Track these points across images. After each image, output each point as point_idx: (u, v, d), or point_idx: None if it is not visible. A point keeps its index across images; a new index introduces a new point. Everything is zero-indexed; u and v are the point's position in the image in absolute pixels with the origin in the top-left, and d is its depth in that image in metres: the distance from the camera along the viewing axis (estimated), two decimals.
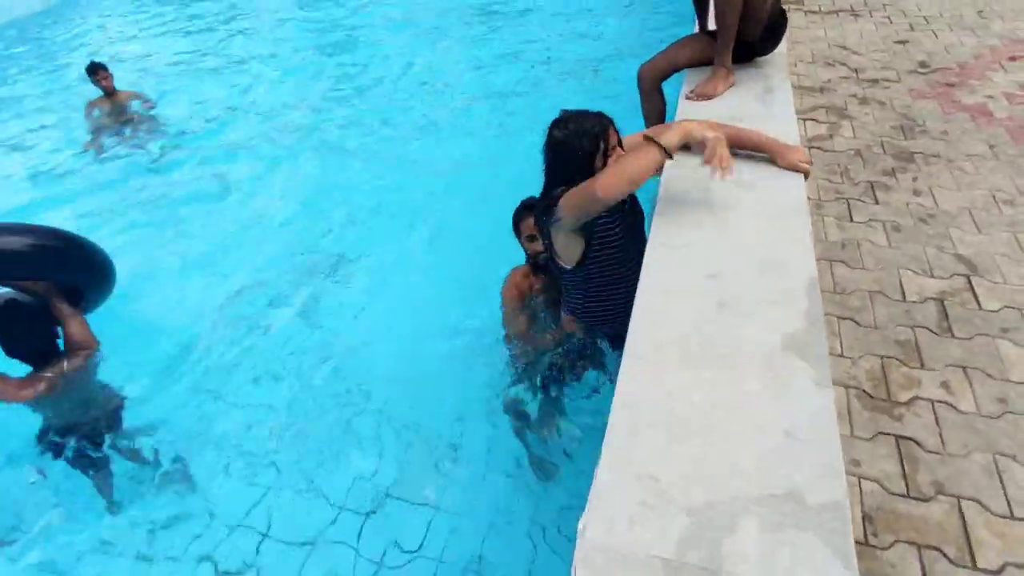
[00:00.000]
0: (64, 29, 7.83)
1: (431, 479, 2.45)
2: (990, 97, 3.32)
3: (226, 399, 2.85)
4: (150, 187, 4.28)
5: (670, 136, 1.61)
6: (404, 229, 3.71)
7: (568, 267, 1.95)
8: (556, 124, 1.86)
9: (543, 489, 2.33)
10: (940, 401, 1.81)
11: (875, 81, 3.60)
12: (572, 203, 1.71)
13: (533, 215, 2.39)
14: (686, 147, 1.73)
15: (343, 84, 5.50)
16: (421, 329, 3.07)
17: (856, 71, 3.76)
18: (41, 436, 2.41)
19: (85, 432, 2.47)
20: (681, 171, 2.02)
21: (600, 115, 1.88)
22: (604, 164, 1.83)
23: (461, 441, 2.57)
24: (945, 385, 1.85)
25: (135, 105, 4.90)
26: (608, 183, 1.62)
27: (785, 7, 2.44)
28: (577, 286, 2.00)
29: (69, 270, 2.45)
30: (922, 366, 1.91)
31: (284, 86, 5.56)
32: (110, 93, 4.74)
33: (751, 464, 1.20)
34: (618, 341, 2.25)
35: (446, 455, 2.54)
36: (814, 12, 4.70)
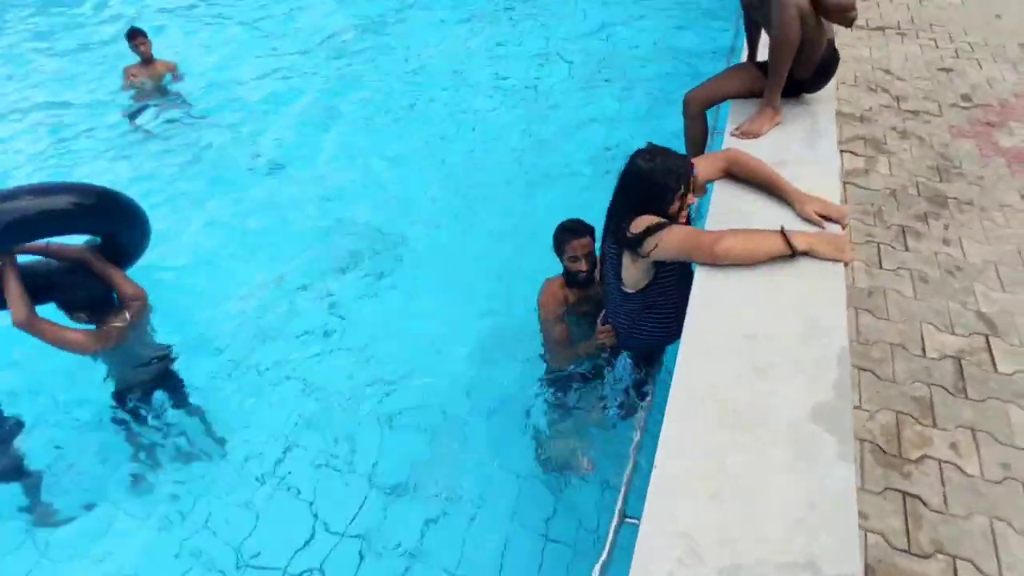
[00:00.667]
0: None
1: (450, 472, 2.64)
2: None
3: (253, 381, 3.02)
4: (186, 160, 4.38)
5: (799, 241, 1.81)
6: (440, 223, 3.84)
7: (630, 291, 2.08)
8: (641, 154, 1.95)
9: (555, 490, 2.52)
10: (947, 461, 1.94)
11: (916, 113, 3.63)
12: (676, 246, 1.83)
13: (578, 237, 2.52)
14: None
15: (382, 71, 5.53)
16: (451, 322, 3.23)
17: (898, 99, 3.78)
18: (119, 395, 2.69)
19: (145, 389, 2.74)
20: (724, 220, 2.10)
21: (686, 157, 1.98)
22: (680, 205, 1.96)
23: (480, 437, 2.74)
24: (954, 446, 1.98)
25: (168, 77, 4.94)
26: (730, 251, 1.78)
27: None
28: (633, 310, 2.13)
29: (107, 224, 2.58)
30: (934, 425, 2.04)
31: (321, 69, 5.57)
32: (147, 60, 4.77)
33: (776, 531, 1.34)
34: (641, 361, 2.39)
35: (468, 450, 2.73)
36: (861, 27, 4.65)
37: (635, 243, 1.90)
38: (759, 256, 1.80)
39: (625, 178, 2.00)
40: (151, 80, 4.84)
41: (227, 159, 4.39)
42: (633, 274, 2.04)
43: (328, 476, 2.61)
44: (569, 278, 2.65)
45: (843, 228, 2.07)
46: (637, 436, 2.19)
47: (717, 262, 1.80)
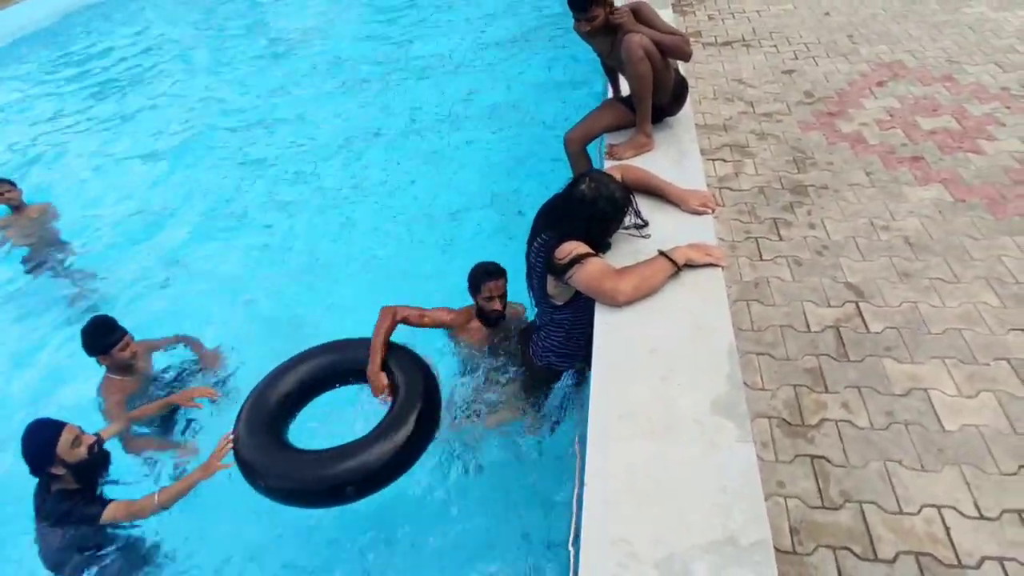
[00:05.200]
0: None
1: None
2: (864, 125, 3.85)
3: None
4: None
5: (678, 256, 2.06)
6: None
7: (559, 303, 2.26)
8: (583, 179, 2.11)
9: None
10: (842, 420, 2.22)
11: (769, 115, 4.08)
12: (584, 285, 2.02)
13: (495, 279, 2.73)
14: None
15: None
16: None
17: (752, 104, 4.23)
18: None
19: None
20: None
21: (626, 188, 2.16)
22: (609, 234, 2.20)
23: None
24: (845, 405, 2.26)
25: (47, 219, 4.75)
26: (631, 296, 1.99)
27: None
28: (564, 320, 2.32)
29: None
30: (826, 390, 2.33)
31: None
32: (17, 208, 4.60)
33: (698, 519, 1.54)
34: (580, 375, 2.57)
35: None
36: (711, 44, 5.18)
37: (560, 272, 2.07)
38: (657, 287, 2.04)
39: (567, 200, 2.12)
40: (25, 227, 4.59)
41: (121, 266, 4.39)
42: (557, 290, 2.23)
43: None
44: (483, 316, 2.84)
45: (712, 212, 2.38)
46: (578, 459, 2.36)
47: (622, 306, 2.01)
